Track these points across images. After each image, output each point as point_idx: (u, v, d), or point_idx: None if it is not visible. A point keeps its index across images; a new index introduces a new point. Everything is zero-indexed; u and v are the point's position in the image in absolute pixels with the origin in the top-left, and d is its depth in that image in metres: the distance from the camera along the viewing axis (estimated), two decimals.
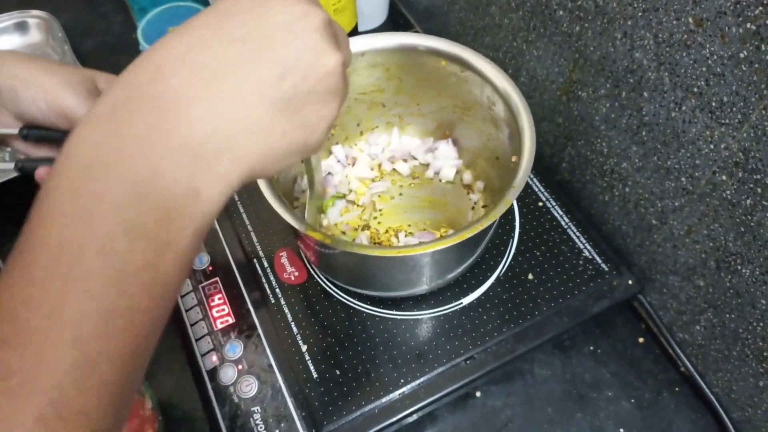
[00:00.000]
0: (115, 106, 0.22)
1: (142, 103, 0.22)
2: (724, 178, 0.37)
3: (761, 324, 0.39)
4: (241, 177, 0.24)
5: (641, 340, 0.50)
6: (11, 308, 0.20)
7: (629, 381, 0.48)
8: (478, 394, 0.48)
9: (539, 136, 0.52)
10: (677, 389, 0.48)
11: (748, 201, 0.36)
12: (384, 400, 0.43)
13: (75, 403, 0.20)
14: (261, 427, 0.42)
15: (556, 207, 0.51)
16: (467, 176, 0.52)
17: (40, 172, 0.36)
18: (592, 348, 0.50)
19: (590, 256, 0.48)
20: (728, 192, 0.37)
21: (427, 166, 0.54)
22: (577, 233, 0.49)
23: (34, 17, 0.69)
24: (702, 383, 0.46)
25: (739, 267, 0.39)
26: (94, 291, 0.20)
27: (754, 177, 0.35)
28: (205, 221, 0.23)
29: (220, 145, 0.22)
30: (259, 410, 0.42)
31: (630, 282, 0.47)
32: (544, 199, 0.51)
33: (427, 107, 0.52)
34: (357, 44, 0.46)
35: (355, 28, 0.61)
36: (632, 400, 0.48)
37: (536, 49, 0.51)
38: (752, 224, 0.36)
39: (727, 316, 0.42)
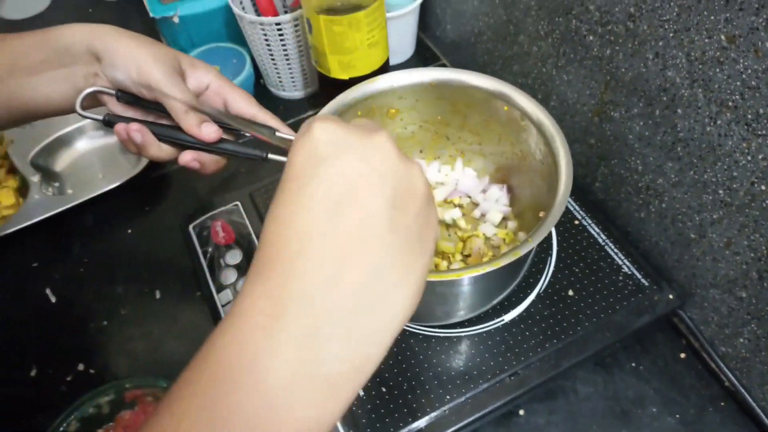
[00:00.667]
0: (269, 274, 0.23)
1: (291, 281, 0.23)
2: (763, 188, 0.38)
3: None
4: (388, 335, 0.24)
5: (683, 355, 0.50)
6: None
7: (672, 397, 0.48)
8: (521, 412, 0.48)
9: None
10: (722, 404, 0.48)
11: None
12: (430, 416, 0.43)
13: None
14: None
15: (593, 225, 0.52)
16: (511, 224, 0.52)
17: (119, 127, 0.42)
18: (633, 365, 0.50)
19: (629, 272, 0.49)
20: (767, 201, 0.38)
21: (476, 205, 0.54)
22: (615, 249, 0.50)
23: None
24: (748, 397, 0.46)
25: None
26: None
27: None
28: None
29: (373, 300, 0.23)
30: None
31: (670, 297, 0.48)
32: (579, 217, 0.52)
33: (488, 148, 0.53)
34: (426, 74, 0.48)
35: (387, 61, 0.64)
36: (677, 416, 0.47)
37: (566, 74, 0.53)
38: None
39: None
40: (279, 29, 0.63)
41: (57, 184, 0.64)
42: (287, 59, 0.66)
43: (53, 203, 0.60)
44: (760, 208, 0.39)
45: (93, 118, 0.43)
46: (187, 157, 0.42)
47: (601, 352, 0.47)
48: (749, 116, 0.37)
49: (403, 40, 0.72)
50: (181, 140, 0.42)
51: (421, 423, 0.43)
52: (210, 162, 0.43)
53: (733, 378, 0.47)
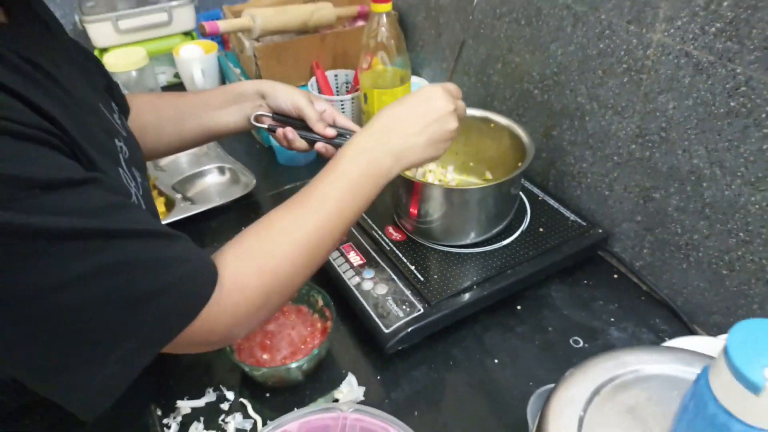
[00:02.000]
0: (371, 135, 0.59)
1: (381, 140, 0.58)
2: (633, 146, 0.72)
3: (674, 225, 0.71)
4: (407, 167, 0.60)
5: (615, 276, 0.80)
6: (312, 190, 0.55)
7: (613, 296, 0.77)
8: (518, 307, 0.76)
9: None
10: (643, 298, 0.77)
11: (647, 153, 0.70)
12: (465, 288, 0.71)
13: (325, 238, 0.53)
14: (393, 306, 0.69)
15: (550, 199, 0.84)
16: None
17: (279, 130, 0.74)
18: (585, 282, 0.79)
19: (575, 219, 0.80)
20: (637, 153, 0.72)
21: None
22: (566, 211, 0.82)
23: None
24: (658, 291, 0.75)
25: (655, 196, 0.72)
26: (348, 190, 0.55)
27: (647, 138, 0.70)
28: (387, 182, 0.58)
29: (406, 156, 0.58)
30: (390, 298, 0.70)
31: (600, 231, 0.79)
32: (541, 195, 0.85)
33: (471, 149, 0.87)
34: None
35: None
36: (616, 305, 0.76)
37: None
38: (652, 165, 0.70)
39: (656, 231, 0.73)
40: (342, 105, 0.99)
41: (190, 202, 0.94)
42: None
43: (190, 209, 0.90)
44: (634, 159, 0.72)
45: (261, 127, 0.76)
46: (319, 145, 0.74)
47: (562, 263, 0.76)
48: (619, 108, 0.72)
49: None
50: (312, 137, 0.74)
51: (459, 291, 0.70)
52: (331, 150, 0.75)
53: (647, 281, 0.77)
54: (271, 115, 0.76)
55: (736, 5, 0.56)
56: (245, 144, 1.10)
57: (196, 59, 1.15)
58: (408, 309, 0.69)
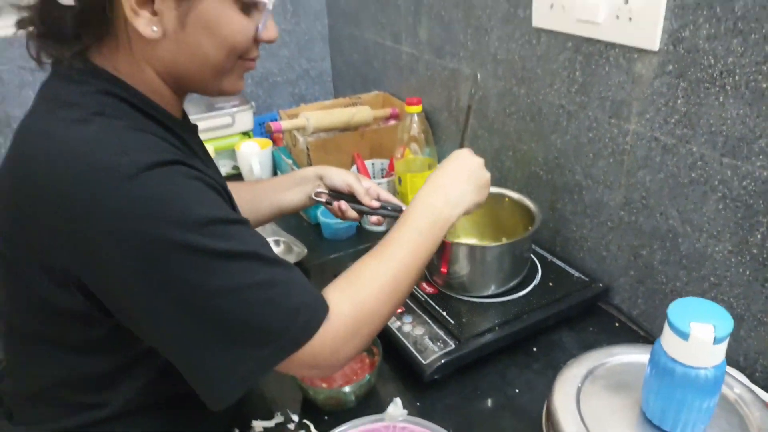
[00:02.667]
0: (430, 193, 0.76)
1: (438, 194, 0.76)
2: (622, 212, 0.89)
3: (660, 275, 0.86)
4: (463, 213, 0.77)
5: (617, 324, 0.94)
6: (390, 240, 0.72)
7: (615, 341, 0.90)
8: (534, 348, 0.89)
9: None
10: (641, 342, 0.90)
11: (633, 217, 0.87)
12: (488, 329, 0.85)
13: (404, 278, 0.70)
14: (429, 343, 0.83)
15: (557, 260, 1.00)
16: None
17: (335, 204, 0.91)
18: (591, 329, 0.93)
19: (578, 276, 0.96)
20: (626, 218, 0.89)
21: None
22: (571, 269, 0.98)
23: None
24: (651, 333, 0.89)
25: (643, 252, 0.88)
26: (418, 237, 0.72)
27: (632, 205, 0.87)
28: (449, 227, 0.76)
29: (460, 203, 0.76)
30: (427, 337, 0.85)
31: (600, 285, 0.94)
32: (550, 257, 1.01)
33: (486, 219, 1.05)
34: None
35: None
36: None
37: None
38: (638, 227, 0.87)
39: (648, 281, 0.89)
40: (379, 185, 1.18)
41: None
42: None
43: None
44: (624, 223, 0.89)
45: (320, 201, 0.94)
46: (374, 219, 0.92)
47: (570, 312, 0.91)
48: (608, 183, 0.90)
49: None
50: (360, 208, 0.92)
51: (489, 336, 0.85)
52: (382, 220, 0.92)
53: (644, 327, 0.91)
54: (327, 192, 0.95)
55: (687, 102, 0.75)
56: (295, 222, 1.29)
57: (255, 153, 1.37)
58: (442, 345, 0.83)
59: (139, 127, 0.57)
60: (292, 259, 1.12)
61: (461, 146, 0.87)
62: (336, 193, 0.94)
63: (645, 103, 0.81)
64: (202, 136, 1.50)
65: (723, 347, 0.43)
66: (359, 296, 0.64)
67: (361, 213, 0.93)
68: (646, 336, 0.90)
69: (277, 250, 1.18)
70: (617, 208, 0.90)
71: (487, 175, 0.80)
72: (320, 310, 0.60)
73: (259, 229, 1.19)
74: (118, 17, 0.56)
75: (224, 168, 1.51)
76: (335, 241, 1.21)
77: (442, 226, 0.73)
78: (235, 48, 0.61)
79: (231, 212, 0.58)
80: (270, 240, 1.18)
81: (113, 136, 0.53)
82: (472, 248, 0.90)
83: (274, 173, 1.45)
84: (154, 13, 0.56)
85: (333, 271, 1.10)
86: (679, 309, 0.44)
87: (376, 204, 0.92)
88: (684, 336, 0.42)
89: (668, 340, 0.43)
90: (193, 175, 0.55)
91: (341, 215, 0.93)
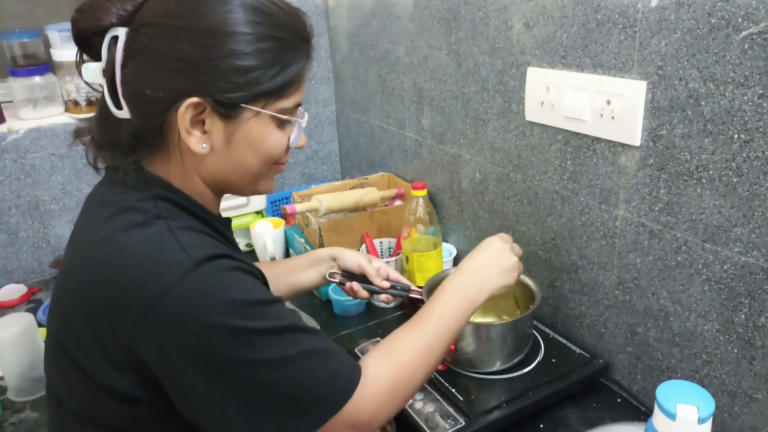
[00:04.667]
0: (460, 277, 0.84)
1: (467, 278, 0.84)
2: (616, 292, 0.95)
3: (656, 352, 0.91)
4: (490, 294, 0.85)
5: (619, 400, 0.98)
6: (424, 315, 0.79)
7: (617, 416, 0.94)
8: (541, 425, 0.93)
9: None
10: (642, 417, 0.94)
11: (627, 297, 0.93)
12: (496, 405, 0.89)
13: (436, 347, 0.76)
14: (440, 420, 0.87)
15: (558, 336, 1.05)
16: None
17: (348, 285, 0.98)
18: (594, 405, 0.97)
19: (579, 352, 1.00)
20: (620, 297, 0.95)
21: None
22: (574, 346, 1.02)
23: None
24: (652, 407, 0.93)
25: (638, 330, 0.93)
26: (449, 314, 0.79)
27: (626, 285, 0.93)
28: (477, 308, 0.83)
29: (486, 285, 0.84)
30: (438, 414, 0.89)
31: (601, 361, 0.99)
32: (552, 334, 1.06)
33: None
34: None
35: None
36: (621, 423, 0.93)
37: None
38: (632, 306, 0.93)
39: (644, 359, 0.93)
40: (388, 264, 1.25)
41: None
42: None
43: None
44: (619, 302, 0.95)
45: (333, 282, 1.01)
46: (383, 297, 0.98)
47: (573, 388, 0.95)
48: (602, 263, 0.96)
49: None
50: (371, 288, 0.99)
51: (497, 413, 0.89)
52: (390, 299, 0.99)
53: (644, 403, 0.95)
54: (340, 272, 1.02)
55: (668, 192, 0.83)
56: (307, 299, 1.35)
57: (269, 232, 1.45)
58: (452, 422, 0.87)
59: (191, 226, 0.65)
60: None
61: None
62: (348, 274, 1.01)
63: (631, 192, 0.89)
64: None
65: (707, 427, 0.48)
66: (396, 362, 0.71)
67: (372, 292, 0.99)
68: (647, 412, 0.94)
69: None
70: (612, 288, 0.97)
71: (513, 259, 0.87)
72: (356, 374, 0.66)
73: None
74: (172, 133, 0.65)
75: (239, 245, 1.59)
76: (345, 317, 1.27)
77: (469, 306, 0.81)
78: (272, 158, 0.70)
79: (269, 293, 0.66)
80: None
81: (171, 236, 0.61)
82: (477, 326, 0.96)
83: (286, 251, 1.52)
84: (204, 132, 0.65)
85: (344, 347, 1.15)
86: (666, 391, 0.49)
87: (386, 284, 0.98)
88: (671, 416, 0.47)
89: (658, 420, 0.48)
90: (236, 265, 0.63)
91: (353, 294, 0.99)
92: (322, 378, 0.63)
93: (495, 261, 0.85)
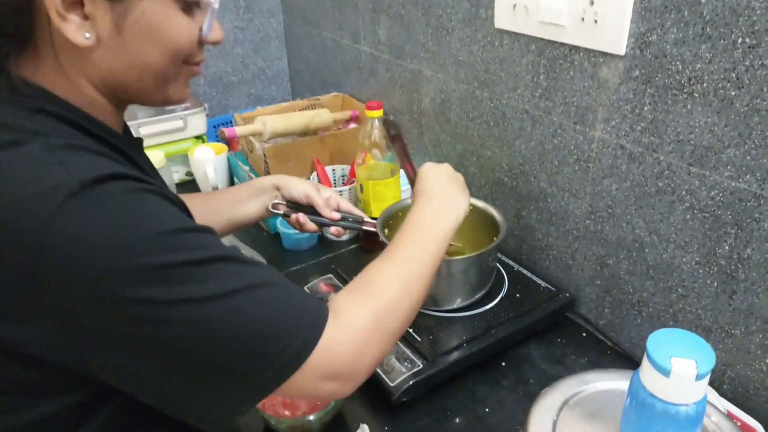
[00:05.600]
0: (426, 203, 0.74)
1: (433, 205, 0.74)
2: (587, 222, 0.87)
3: (627, 285, 0.85)
4: (462, 216, 0.75)
5: (584, 334, 0.92)
6: (401, 244, 0.68)
7: (584, 351, 0.89)
8: (503, 363, 0.87)
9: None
10: (608, 352, 0.89)
11: (599, 227, 0.86)
12: (456, 346, 0.82)
13: (417, 282, 0.65)
14: (396, 363, 0.80)
15: (523, 269, 0.98)
16: None
17: (292, 216, 0.87)
18: (558, 340, 0.91)
19: (546, 287, 0.94)
20: (591, 227, 0.87)
21: None
22: (538, 280, 0.95)
23: None
24: (620, 345, 0.88)
25: (609, 262, 0.86)
26: (430, 251, 0.68)
27: (598, 215, 0.85)
28: (453, 234, 0.73)
29: (460, 212, 0.74)
30: (393, 356, 0.81)
31: (567, 295, 0.92)
32: (516, 266, 0.99)
33: None
34: None
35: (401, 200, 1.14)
36: (586, 359, 0.87)
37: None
38: (604, 236, 0.85)
39: (613, 292, 0.87)
40: (340, 194, 1.14)
41: None
42: None
43: None
44: (590, 232, 0.87)
45: (278, 213, 0.89)
46: (333, 230, 0.88)
47: (537, 324, 0.89)
48: (574, 191, 0.88)
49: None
50: (320, 221, 0.88)
51: (457, 353, 0.81)
52: (342, 232, 0.88)
53: (611, 337, 0.89)
54: (285, 203, 0.90)
55: (654, 109, 0.73)
56: (254, 232, 1.23)
57: (210, 159, 1.30)
58: (409, 365, 0.79)
59: (81, 145, 0.50)
60: None
61: (409, 174, 0.85)
62: (294, 205, 0.90)
63: (611, 110, 0.79)
64: (151, 140, 1.44)
65: (705, 383, 0.40)
66: (374, 297, 0.60)
67: (320, 225, 0.88)
68: (614, 347, 0.89)
69: None
70: (583, 217, 0.88)
71: (460, 175, 0.80)
72: (322, 310, 0.55)
73: None
74: (40, 21, 0.50)
75: (177, 175, 1.44)
76: (296, 252, 1.16)
77: (450, 228, 0.71)
78: (179, 52, 0.55)
79: (191, 222, 0.53)
80: None
81: (50, 155, 0.47)
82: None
83: (231, 181, 1.38)
84: (85, 17, 0.50)
85: (299, 282, 1.05)
86: (659, 342, 0.41)
87: (336, 215, 0.88)
88: (665, 372, 0.39)
89: (647, 374, 0.41)
90: (142, 187, 0.49)
91: (299, 227, 0.88)
92: (280, 312, 0.51)
93: (450, 180, 0.78)
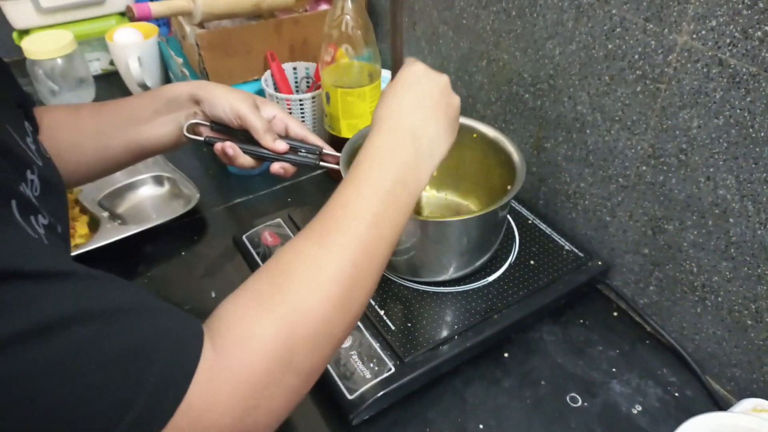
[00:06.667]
0: (389, 134, 0.47)
1: (402, 137, 0.47)
2: (644, 168, 0.60)
3: (689, 262, 0.60)
4: (439, 162, 0.49)
5: (615, 314, 0.69)
6: (335, 211, 0.42)
7: (612, 339, 0.66)
8: (506, 354, 0.64)
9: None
10: (647, 342, 0.66)
11: (661, 177, 0.59)
12: (444, 339, 0.59)
13: (361, 272, 0.41)
14: (359, 364, 0.57)
15: (541, 223, 0.72)
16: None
17: (217, 145, 0.60)
18: (581, 321, 0.68)
19: (569, 249, 0.69)
20: (648, 176, 0.60)
21: None
22: (558, 237, 0.70)
23: None
24: (664, 333, 0.65)
25: (668, 227, 0.60)
26: (382, 203, 0.43)
27: (661, 160, 0.58)
28: (422, 189, 0.47)
29: (434, 148, 0.48)
30: (355, 353, 0.58)
31: (599, 263, 0.68)
32: (531, 218, 0.73)
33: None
34: None
35: None
36: (617, 351, 0.65)
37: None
38: (666, 192, 0.59)
39: (667, 267, 0.62)
40: (301, 104, 0.85)
41: (119, 222, 0.79)
42: None
43: (119, 231, 0.75)
44: (644, 183, 0.61)
45: (197, 140, 0.62)
46: (276, 167, 0.61)
47: (557, 303, 0.65)
48: (628, 123, 0.60)
49: None
50: (259, 153, 0.60)
51: (438, 343, 0.58)
52: (289, 168, 0.61)
53: (651, 322, 0.66)
54: (208, 124, 0.62)
55: None
56: (189, 148, 0.95)
57: (133, 45, 0.99)
58: (376, 368, 0.56)
59: None
60: (179, 207, 0.81)
61: (396, 55, 0.57)
62: (222, 127, 0.62)
63: (711, 1, 0.49)
64: (57, 16, 1.09)
65: None
66: (288, 307, 0.37)
67: (259, 158, 0.61)
68: (654, 334, 0.66)
69: (158, 192, 0.86)
70: (637, 161, 0.62)
71: (456, 98, 0.52)
72: (190, 345, 0.34)
73: (92, 184, 0.79)
74: None
75: (98, 64, 1.12)
76: (244, 176, 0.90)
77: (415, 187, 0.46)
78: None
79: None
80: (148, 177, 0.85)
81: None
82: (422, 224, 0.60)
83: (166, 77, 1.07)
84: None
85: (242, 222, 0.80)
86: None
87: (281, 147, 0.60)
88: None
89: None
90: None
91: (228, 161, 0.62)
92: (106, 364, 0.30)
93: (437, 104, 0.50)
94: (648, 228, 0.63)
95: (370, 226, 0.41)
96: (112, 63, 1.12)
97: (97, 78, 1.09)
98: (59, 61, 0.97)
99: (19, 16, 1.02)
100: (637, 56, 0.57)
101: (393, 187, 0.44)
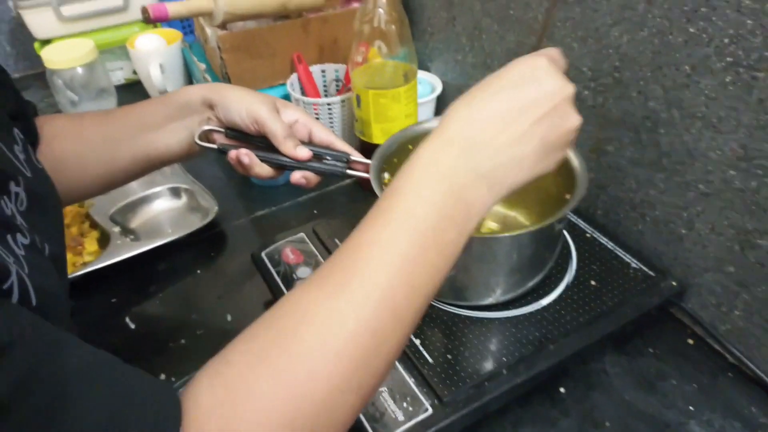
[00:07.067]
0: (448, 147, 0.36)
1: (465, 155, 0.36)
2: (732, 172, 0.51)
3: None
4: (505, 196, 0.38)
5: (690, 341, 0.59)
6: (358, 249, 0.34)
7: (687, 371, 0.56)
8: (562, 389, 0.55)
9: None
10: (729, 374, 0.55)
11: (753, 183, 0.49)
12: (490, 374, 0.50)
13: (396, 313, 0.33)
14: (390, 403, 0.48)
15: (601, 237, 0.63)
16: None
17: (231, 152, 0.53)
18: (650, 350, 0.58)
19: (637, 267, 0.59)
20: (737, 182, 0.50)
21: None
22: (623, 253, 0.61)
23: None
24: (751, 365, 0.54)
25: (761, 242, 0.50)
26: (419, 242, 0.34)
27: (755, 162, 0.48)
28: (478, 225, 0.37)
29: (506, 177, 0.37)
30: (386, 391, 0.49)
31: (673, 283, 0.58)
32: (589, 231, 0.64)
33: None
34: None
35: None
36: (694, 385, 0.55)
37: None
38: (760, 201, 0.49)
39: (759, 289, 0.52)
40: (329, 108, 0.78)
41: (131, 237, 0.73)
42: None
43: (131, 248, 0.69)
44: (731, 189, 0.51)
45: (210, 147, 0.55)
46: (297, 176, 0.53)
47: (623, 330, 0.55)
48: (714, 120, 0.51)
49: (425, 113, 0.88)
50: (278, 161, 0.53)
51: (489, 388, 0.50)
52: (312, 178, 0.54)
53: (735, 351, 0.55)
54: (223, 130, 0.56)
55: None
56: (208, 157, 0.89)
57: (154, 52, 0.94)
58: (410, 408, 0.48)
59: None
60: (196, 221, 0.74)
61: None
62: (238, 133, 0.55)
63: None
64: (82, 25, 1.06)
65: None
66: (290, 376, 0.30)
67: (279, 167, 0.54)
68: (738, 365, 0.55)
69: (175, 204, 0.80)
70: (724, 164, 0.52)
71: (575, 119, 0.39)
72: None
73: (104, 198, 0.72)
74: None
75: (121, 73, 1.08)
76: (267, 187, 0.83)
77: (465, 223, 0.36)
78: None
79: None
80: (165, 189, 0.80)
81: None
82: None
83: (189, 84, 1.03)
84: None
85: (264, 236, 0.74)
86: None
87: (304, 154, 0.53)
88: None
89: None
90: None
91: (243, 170, 0.55)
92: None
93: (540, 120, 0.37)
94: (735, 243, 0.53)
95: (401, 274, 0.33)
96: (135, 72, 1.07)
97: (120, 88, 1.05)
98: (79, 70, 0.93)
99: (41, 25, 0.99)
100: (727, 40, 0.48)
101: (438, 222, 0.34)
